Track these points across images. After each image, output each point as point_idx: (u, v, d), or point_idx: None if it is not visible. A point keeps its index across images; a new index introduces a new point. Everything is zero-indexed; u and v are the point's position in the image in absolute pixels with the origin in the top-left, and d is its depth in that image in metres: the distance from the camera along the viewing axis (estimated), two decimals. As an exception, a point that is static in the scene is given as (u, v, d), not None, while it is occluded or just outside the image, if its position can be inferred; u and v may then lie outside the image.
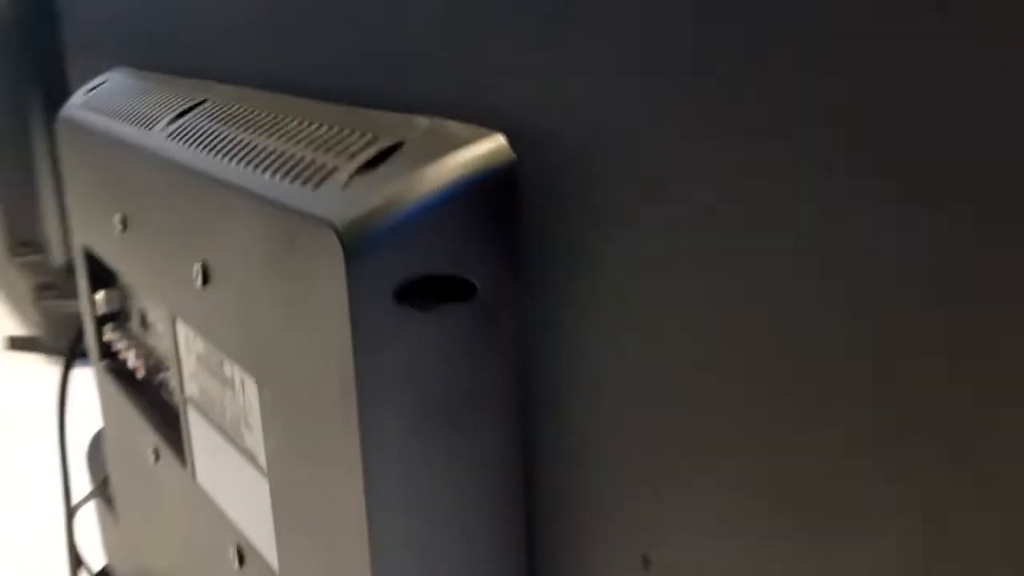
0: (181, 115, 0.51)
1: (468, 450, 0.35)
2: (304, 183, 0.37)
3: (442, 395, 0.34)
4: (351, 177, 0.35)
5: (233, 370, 0.45)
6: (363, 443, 0.34)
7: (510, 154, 0.32)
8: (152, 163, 0.50)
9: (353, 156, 0.36)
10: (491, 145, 0.33)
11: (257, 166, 0.40)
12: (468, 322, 0.34)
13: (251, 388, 0.43)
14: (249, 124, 0.44)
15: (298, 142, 0.40)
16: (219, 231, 0.43)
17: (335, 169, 0.36)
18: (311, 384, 0.37)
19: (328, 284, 0.34)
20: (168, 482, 0.59)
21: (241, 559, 0.49)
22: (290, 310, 0.37)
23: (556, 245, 0.32)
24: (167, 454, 0.58)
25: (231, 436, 0.47)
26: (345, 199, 0.34)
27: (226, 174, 0.41)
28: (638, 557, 0.31)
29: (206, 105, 0.50)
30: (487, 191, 0.33)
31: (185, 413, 0.53)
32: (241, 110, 0.46)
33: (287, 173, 0.38)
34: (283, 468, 0.41)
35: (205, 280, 0.45)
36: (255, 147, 0.42)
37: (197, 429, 0.52)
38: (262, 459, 0.44)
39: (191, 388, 0.52)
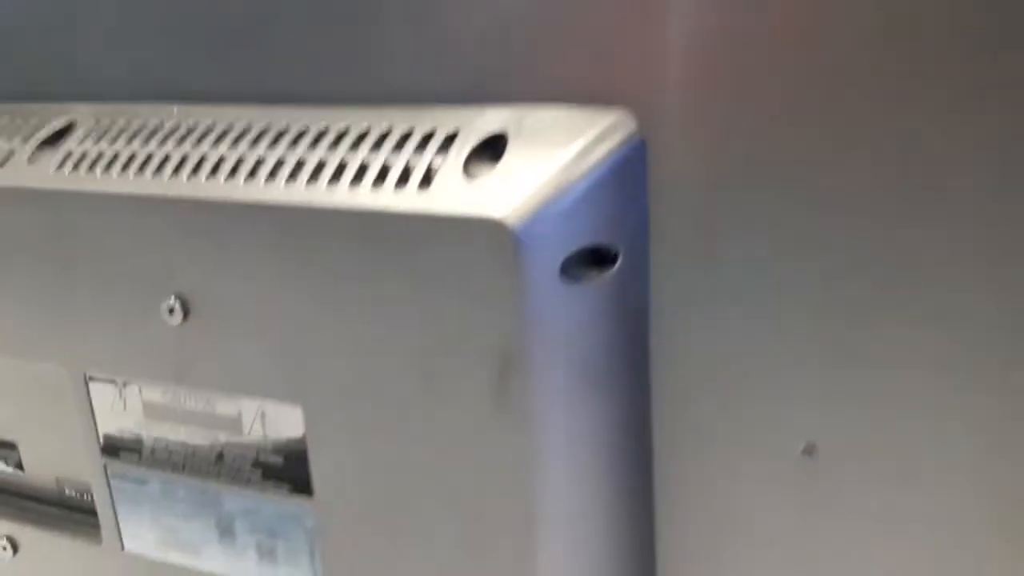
0: (49, 143, 0.44)
1: (611, 408, 0.38)
2: (399, 186, 0.36)
3: (595, 361, 0.37)
4: (466, 172, 0.36)
5: (241, 408, 0.41)
6: (530, 419, 0.36)
7: (636, 127, 0.36)
8: (36, 200, 0.42)
9: (442, 152, 0.36)
10: (617, 120, 0.36)
11: (288, 178, 0.38)
12: (611, 289, 0.36)
13: (284, 416, 0.40)
14: (214, 138, 0.40)
15: (308, 147, 0.39)
16: (220, 259, 0.39)
17: (432, 169, 0.36)
18: (428, 383, 0.37)
19: (490, 275, 0.34)
20: (55, 571, 0.50)
21: (236, 610, 0.45)
22: (399, 315, 0.36)
23: (680, 212, 0.36)
24: (39, 540, 0.50)
25: (229, 478, 0.43)
26: (483, 193, 0.35)
27: (248, 194, 0.38)
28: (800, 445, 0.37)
29: (86, 126, 0.44)
30: (625, 163, 0.36)
31: (106, 480, 0.46)
32: (172, 125, 0.42)
33: (356, 179, 0.37)
34: (364, 478, 0.40)
35: (188, 315, 0.40)
36: (257, 160, 0.39)
37: (131, 493, 0.46)
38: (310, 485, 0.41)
39: (123, 448, 0.45)
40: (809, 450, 0.37)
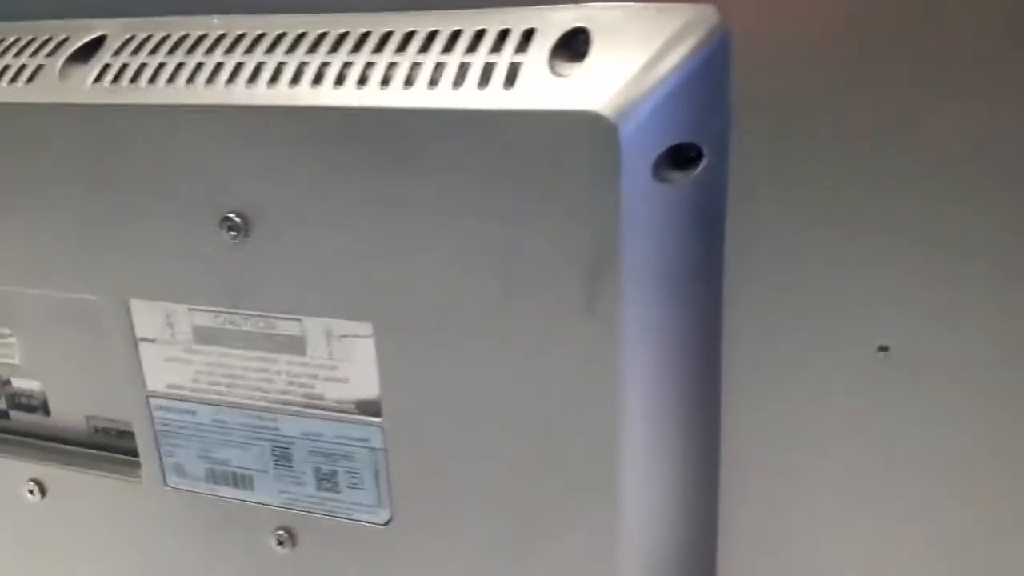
0: (78, 57, 0.41)
1: (688, 310, 0.38)
2: (482, 84, 0.35)
3: (677, 262, 0.37)
4: (552, 68, 0.35)
5: (305, 327, 0.40)
6: (620, 324, 0.35)
7: (724, 24, 0.35)
8: (73, 115, 0.40)
9: (520, 52, 0.35)
10: (699, 14, 0.35)
11: (360, 82, 0.36)
12: (695, 188, 0.36)
13: (352, 334, 0.39)
14: (268, 44, 0.39)
15: (373, 51, 0.37)
16: (283, 169, 0.37)
17: (516, 65, 0.35)
18: (511, 290, 0.36)
19: (586, 172, 0.34)
20: (87, 512, 0.48)
21: (293, 539, 0.44)
22: (481, 221, 0.35)
23: (761, 110, 0.36)
24: (69, 481, 0.47)
25: (287, 402, 0.42)
26: (573, 88, 0.34)
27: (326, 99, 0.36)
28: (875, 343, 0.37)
29: (119, 39, 0.41)
30: (711, 59, 0.35)
31: (149, 414, 0.44)
32: (217, 34, 0.40)
33: (433, 81, 0.35)
34: (438, 394, 0.39)
35: (247, 232, 0.39)
36: (322, 64, 0.37)
37: (176, 425, 0.44)
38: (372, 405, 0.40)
39: (168, 378, 0.43)
40: (884, 348, 0.38)
